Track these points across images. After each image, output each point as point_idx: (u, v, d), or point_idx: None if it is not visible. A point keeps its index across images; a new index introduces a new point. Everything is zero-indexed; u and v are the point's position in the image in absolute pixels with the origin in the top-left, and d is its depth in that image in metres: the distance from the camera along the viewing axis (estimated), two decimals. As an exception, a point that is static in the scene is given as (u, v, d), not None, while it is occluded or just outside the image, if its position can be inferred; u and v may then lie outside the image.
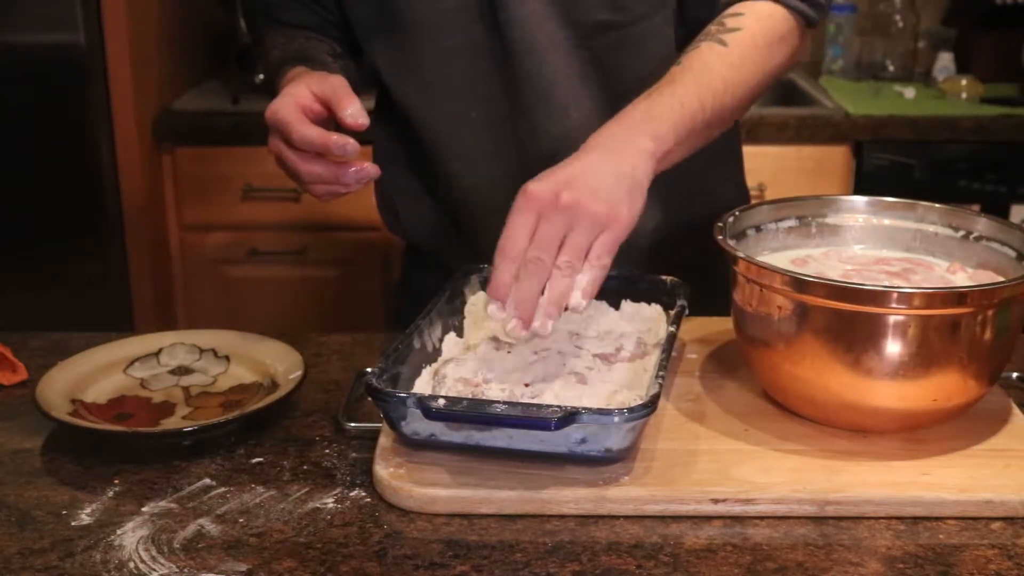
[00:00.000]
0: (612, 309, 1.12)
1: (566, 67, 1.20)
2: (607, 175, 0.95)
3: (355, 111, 1.03)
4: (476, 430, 0.89)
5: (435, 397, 0.87)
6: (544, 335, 0.93)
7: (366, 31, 1.26)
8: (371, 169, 1.05)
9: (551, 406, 0.86)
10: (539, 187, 0.94)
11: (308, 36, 1.29)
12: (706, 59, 1.09)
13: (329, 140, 1.02)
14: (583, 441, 0.87)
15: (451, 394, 0.93)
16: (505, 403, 0.87)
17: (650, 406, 0.86)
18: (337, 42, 1.30)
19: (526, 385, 0.96)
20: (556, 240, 0.92)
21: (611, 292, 1.11)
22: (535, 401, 0.93)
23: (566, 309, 0.93)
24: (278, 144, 1.07)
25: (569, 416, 0.84)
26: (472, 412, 0.87)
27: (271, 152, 1.09)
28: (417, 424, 0.89)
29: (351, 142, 1.02)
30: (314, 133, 1.03)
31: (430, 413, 0.86)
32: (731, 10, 1.14)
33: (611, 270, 1.06)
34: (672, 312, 1.07)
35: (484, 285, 1.12)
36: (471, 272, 1.14)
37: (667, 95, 1.04)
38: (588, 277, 0.93)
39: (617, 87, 1.21)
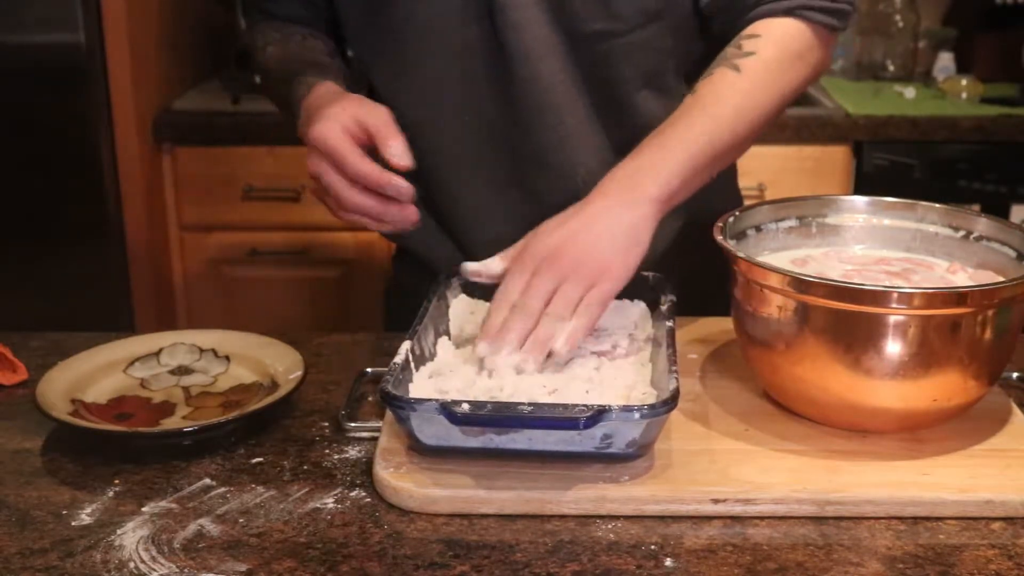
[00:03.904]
0: None
1: (561, 73, 1.19)
2: (605, 230, 1.00)
3: (399, 151, 1.04)
4: (496, 433, 0.88)
5: (458, 402, 0.86)
6: (525, 371, 0.96)
7: (356, 29, 1.25)
8: (413, 214, 1.06)
9: (577, 405, 0.85)
10: (537, 246, 1.00)
11: (303, 34, 1.29)
12: (718, 88, 1.10)
13: (384, 180, 1.03)
14: (607, 438, 0.87)
15: (459, 398, 0.92)
16: (531, 404, 0.86)
17: (672, 401, 0.87)
18: (329, 38, 1.30)
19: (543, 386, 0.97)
20: (547, 290, 0.98)
21: None
22: (558, 401, 0.93)
23: (550, 355, 0.98)
24: (324, 168, 1.06)
25: (597, 414, 0.84)
26: (498, 415, 0.87)
27: (310, 172, 1.07)
28: (434, 429, 0.88)
29: (406, 185, 1.04)
30: (370, 169, 1.03)
31: (455, 418, 0.85)
32: (748, 30, 1.14)
33: None
34: (664, 308, 1.07)
35: (465, 288, 1.13)
36: (453, 275, 1.14)
37: (677, 131, 1.06)
38: (573, 324, 0.98)
39: (609, 96, 1.22)
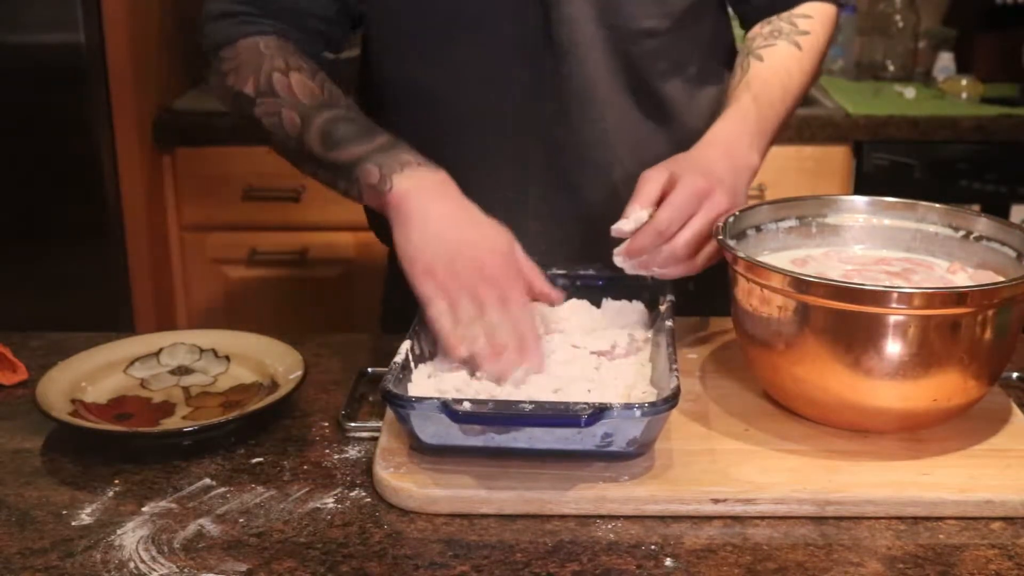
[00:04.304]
0: (594, 307, 1.12)
1: (603, 69, 1.21)
2: (741, 189, 1.09)
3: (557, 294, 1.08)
4: (497, 432, 0.88)
5: (460, 400, 0.86)
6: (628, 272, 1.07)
7: (388, 16, 1.22)
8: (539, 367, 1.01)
9: (579, 403, 0.85)
10: (692, 179, 1.05)
11: (331, 89, 1.15)
12: (789, 65, 1.20)
13: (554, 294, 1.06)
14: (607, 437, 0.87)
15: (459, 397, 0.92)
16: (531, 403, 0.86)
17: (673, 399, 0.87)
18: (326, 42, 1.24)
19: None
20: (688, 212, 1.05)
21: (593, 290, 1.11)
22: (561, 399, 0.93)
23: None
24: (493, 295, 1.00)
25: (598, 412, 0.84)
26: (500, 413, 0.87)
27: (482, 294, 1.00)
28: (435, 428, 0.88)
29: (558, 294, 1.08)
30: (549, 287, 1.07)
31: (456, 416, 0.85)
32: (800, 9, 1.24)
33: (591, 269, 1.12)
34: (664, 308, 1.07)
35: None
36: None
37: (766, 100, 1.16)
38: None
39: (645, 89, 1.24)
